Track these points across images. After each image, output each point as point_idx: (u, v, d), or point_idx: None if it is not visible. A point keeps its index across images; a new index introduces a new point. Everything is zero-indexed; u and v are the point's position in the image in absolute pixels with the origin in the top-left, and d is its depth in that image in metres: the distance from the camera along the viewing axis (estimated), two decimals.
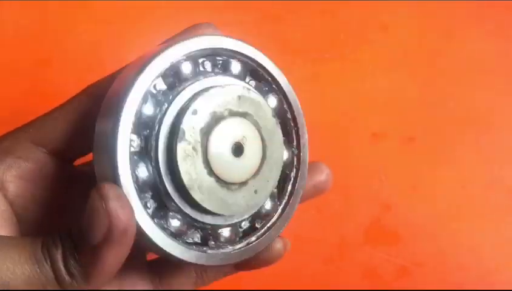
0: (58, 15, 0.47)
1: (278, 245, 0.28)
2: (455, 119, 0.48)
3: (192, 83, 0.26)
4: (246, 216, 0.27)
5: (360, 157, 0.47)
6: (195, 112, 0.24)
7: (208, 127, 0.24)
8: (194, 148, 0.24)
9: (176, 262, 0.25)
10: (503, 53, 0.49)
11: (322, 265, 0.45)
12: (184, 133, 0.24)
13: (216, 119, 0.24)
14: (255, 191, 0.26)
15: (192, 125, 0.24)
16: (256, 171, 0.25)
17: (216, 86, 0.25)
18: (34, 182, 0.26)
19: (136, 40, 0.44)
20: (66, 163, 0.28)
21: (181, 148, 0.24)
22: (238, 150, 0.25)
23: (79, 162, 0.29)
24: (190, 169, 0.24)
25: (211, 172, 0.24)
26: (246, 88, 0.26)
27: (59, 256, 0.22)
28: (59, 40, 0.46)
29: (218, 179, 0.24)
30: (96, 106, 0.26)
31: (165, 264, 0.30)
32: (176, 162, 0.23)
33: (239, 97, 0.25)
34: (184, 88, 0.25)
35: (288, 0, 0.48)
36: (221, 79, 0.26)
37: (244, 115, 0.25)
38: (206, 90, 0.25)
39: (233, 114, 0.25)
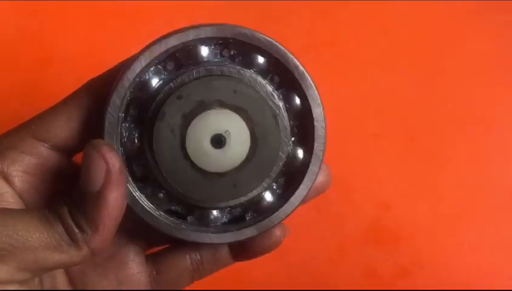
0: (58, 15, 0.47)
1: (278, 232, 0.28)
2: (455, 119, 0.48)
3: (196, 68, 0.26)
4: (232, 204, 0.28)
5: (360, 157, 0.47)
6: (180, 97, 0.25)
7: (191, 113, 0.25)
8: (172, 131, 0.25)
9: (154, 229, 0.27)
10: (503, 53, 0.49)
11: (322, 265, 0.45)
12: (164, 114, 0.25)
13: (201, 108, 0.25)
14: (234, 186, 0.26)
15: (174, 109, 0.25)
16: (240, 166, 0.26)
17: (212, 75, 0.26)
18: (38, 176, 0.27)
19: (135, 40, 0.43)
20: (69, 158, 0.28)
21: (158, 128, 0.25)
22: (217, 141, 0.26)
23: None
24: (166, 149, 0.25)
25: (187, 156, 0.25)
26: (246, 83, 0.26)
27: (66, 214, 0.23)
28: (59, 40, 0.46)
29: (193, 165, 0.26)
30: (97, 101, 0.26)
31: (162, 256, 0.31)
32: (152, 139, 0.25)
33: (235, 91, 0.25)
34: (186, 72, 0.26)
35: (288, 0, 0.48)
36: (231, 70, 0.26)
37: (236, 109, 0.25)
38: (200, 77, 0.26)
39: (223, 106, 0.25)
